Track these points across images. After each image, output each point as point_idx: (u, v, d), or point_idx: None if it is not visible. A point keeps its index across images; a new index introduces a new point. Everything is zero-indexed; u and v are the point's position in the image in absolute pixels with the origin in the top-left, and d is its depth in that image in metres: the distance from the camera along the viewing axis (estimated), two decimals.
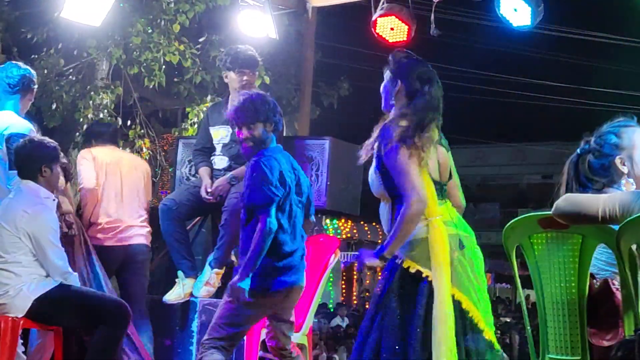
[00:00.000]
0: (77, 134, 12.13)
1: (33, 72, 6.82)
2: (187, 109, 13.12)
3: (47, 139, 6.22)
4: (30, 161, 6.00)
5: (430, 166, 4.83)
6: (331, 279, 25.02)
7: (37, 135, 6.43)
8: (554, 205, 4.08)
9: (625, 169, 4.45)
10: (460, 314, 4.65)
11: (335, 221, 24.70)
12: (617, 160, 4.46)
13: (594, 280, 4.32)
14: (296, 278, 5.75)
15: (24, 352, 6.18)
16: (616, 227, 3.99)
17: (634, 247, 3.92)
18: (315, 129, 12.34)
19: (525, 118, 34.73)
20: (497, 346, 4.70)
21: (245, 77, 7.22)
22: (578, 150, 4.63)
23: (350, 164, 7.33)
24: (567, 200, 4.09)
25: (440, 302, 4.63)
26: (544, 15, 7.86)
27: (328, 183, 7.50)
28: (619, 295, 4.22)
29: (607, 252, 4.28)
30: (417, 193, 4.70)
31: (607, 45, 22.58)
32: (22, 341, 6.05)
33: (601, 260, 4.36)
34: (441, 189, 4.87)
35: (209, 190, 7.00)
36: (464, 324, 4.65)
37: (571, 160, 4.65)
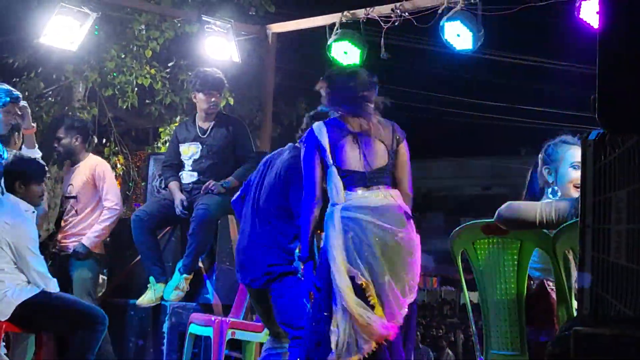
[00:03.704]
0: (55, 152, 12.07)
1: (9, 89, 6.64)
2: (160, 129, 13.07)
3: (32, 158, 6.15)
4: (8, 176, 5.93)
5: (344, 157, 4.92)
6: None
7: (23, 153, 6.35)
8: (496, 212, 4.09)
9: (550, 179, 4.52)
10: (357, 290, 4.70)
11: None
12: (545, 171, 4.55)
13: (531, 282, 4.33)
14: None
15: (6, 355, 6.09)
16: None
17: (568, 251, 3.92)
18: (276, 145, 12.32)
19: (466, 135, 34.93)
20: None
21: (213, 99, 7.20)
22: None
23: None
24: (508, 207, 4.10)
25: (338, 277, 4.71)
26: (483, 41, 7.89)
27: None
28: (553, 295, 4.23)
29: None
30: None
31: (538, 68, 22.78)
32: (4, 344, 5.96)
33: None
34: (362, 177, 4.89)
35: (185, 205, 6.99)
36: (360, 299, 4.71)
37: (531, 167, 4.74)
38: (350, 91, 5.05)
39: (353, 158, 4.92)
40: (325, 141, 4.93)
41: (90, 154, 7.46)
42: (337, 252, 4.73)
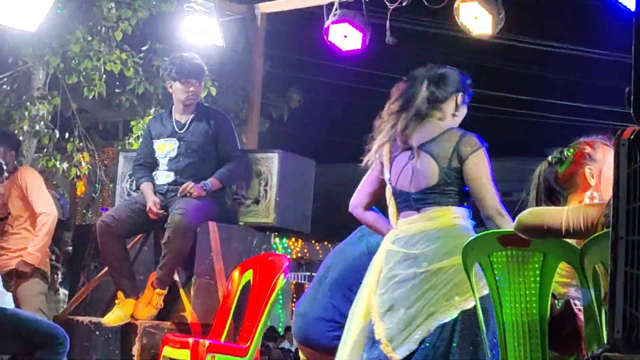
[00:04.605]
0: None
1: None
2: (131, 122, 13.07)
3: None
4: None
5: (389, 174, 4.93)
6: (280, 301, 24.92)
7: None
8: (516, 219, 4.03)
9: (592, 182, 4.48)
10: (368, 326, 4.79)
11: (285, 240, 24.62)
12: (587, 171, 4.50)
13: (555, 301, 4.32)
14: None
15: None
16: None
17: (598, 266, 3.91)
18: (264, 143, 12.33)
19: (483, 132, 34.92)
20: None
21: (191, 88, 7.20)
22: (549, 158, 4.65)
23: (301, 178, 7.32)
24: (530, 213, 4.06)
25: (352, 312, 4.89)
26: (504, 25, 7.90)
27: (277, 199, 7.48)
28: (581, 316, 4.22)
29: None
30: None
31: (567, 57, 22.79)
32: None
33: None
34: (407, 199, 4.85)
35: (158, 208, 6.99)
36: (368, 335, 4.77)
37: (540, 168, 4.68)
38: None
39: (404, 175, 4.88)
40: (385, 158, 4.95)
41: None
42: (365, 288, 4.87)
